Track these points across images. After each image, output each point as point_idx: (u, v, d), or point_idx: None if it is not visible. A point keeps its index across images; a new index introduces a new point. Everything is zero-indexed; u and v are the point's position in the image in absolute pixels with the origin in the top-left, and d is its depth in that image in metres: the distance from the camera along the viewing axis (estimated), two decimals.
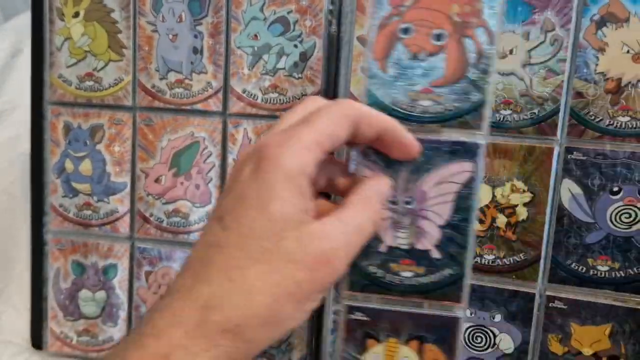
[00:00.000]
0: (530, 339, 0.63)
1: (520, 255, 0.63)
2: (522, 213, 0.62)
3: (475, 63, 0.46)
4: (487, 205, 0.63)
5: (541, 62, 0.59)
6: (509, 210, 0.62)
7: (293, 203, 0.33)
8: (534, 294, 0.62)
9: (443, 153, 0.46)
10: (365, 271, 0.47)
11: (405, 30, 0.46)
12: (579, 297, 0.61)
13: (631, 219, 0.58)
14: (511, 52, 0.60)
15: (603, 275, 0.60)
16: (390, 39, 0.46)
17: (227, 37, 0.67)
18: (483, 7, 0.46)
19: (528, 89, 0.60)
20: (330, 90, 0.65)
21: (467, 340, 0.66)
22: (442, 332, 0.49)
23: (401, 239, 0.47)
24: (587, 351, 0.61)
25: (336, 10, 0.65)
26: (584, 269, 0.60)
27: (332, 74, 0.66)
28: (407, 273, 0.47)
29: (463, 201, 0.46)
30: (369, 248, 0.46)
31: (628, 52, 0.56)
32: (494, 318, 0.64)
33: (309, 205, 0.34)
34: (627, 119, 0.57)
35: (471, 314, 0.65)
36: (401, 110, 0.46)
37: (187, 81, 0.68)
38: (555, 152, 0.60)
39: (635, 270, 0.59)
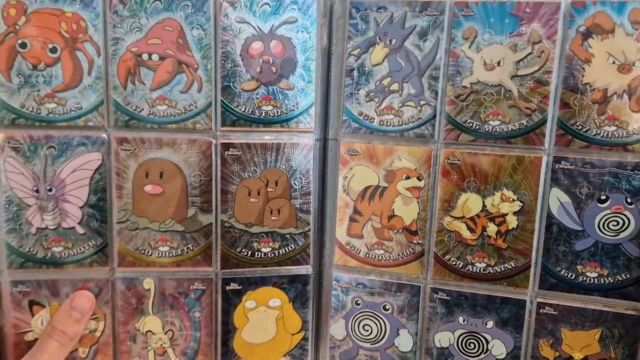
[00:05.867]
0: (522, 345, 0.61)
1: (511, 263, 0.60)
2: (512, 222, 0.60)
3: (89, 71, 0.58)
4: (477, 215, 0.61)
5: (528, 74, 0.57)
6: (499, 219, 0.60)
7: None
8: (524, 301, 0.60)
9: (74, 146, 0.58)
10: (22, 251, 0.58)
11: (23, 45, 0.55)
12: (569, 303, 0.59)
13: (619, 226, 0.56)
14: (499, 63, 0.57)
15: (592, 281, 0.58)
16: (9, 52, 0.56)
17: None
18: (87, 25, 0.57)
19: (516, 100, 0.57)
20: None
21: (460, 347, 0.64)
22: (94, 290, 0.61)
23: (48, 221, 0.58)
24: (578, 355, 0.59)
25: None
26: (574, 275, 0.58)
27: None
28: (58, 248, 0.59)
29: (97, 184, 0.59)
30: (22, 232, 0.58)
31: (614, 62, 0.54)
32: (486, 325, 0.62)
33: None
34: (613, 128, 0.55)
35: (464, 321, 0.63)
36: (29, 113, 0.57)
37: None
38: (544, 162, 0.57)
39: (624, 277, 0.57)
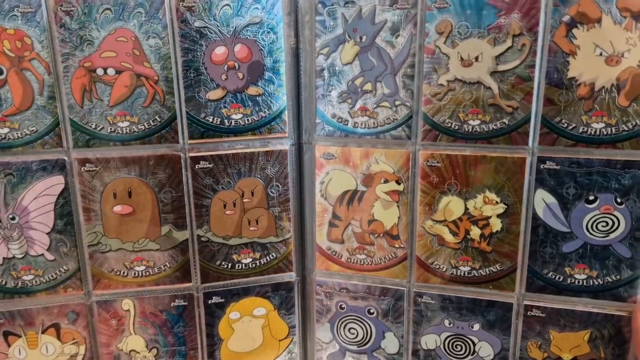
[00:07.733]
0: (509, 346, 0.58)
1: (496, 266, 0.57)
2: (496, 224, 0.56)
3: (40, 91, 0.52)
4: (459, 218, 0.57)
5: (509, 69, 0.51)
6: (483, 222, 0.56)
7: None
8: (511, 304, 0.57)
9: (34, 171, 0.54)
10: None
11: None
12: (558, 305, 0.55)
13: (608, 227, 0.52)
14: (477, 59, 0.52)
15: (581, 283, 0.54)
16: None
17: None
18: (33, 41, 0.51)
19: (496, 97, 0.52)
20: None
21: (447, 349, 0.61)
22: (71, 316, 0.59)
23: (15, 250, 0.55)
24: (567, 356, 0.57)
25: None
26: (561, 277, 0.55)
27: None
28: (28, 276, 0.57)
29: (63, 208, 0.55)
30: None
31: (601, 54, 0.48)
32: (472, 327, 0.59)
33: None
34: (601, 125, 0.50)
35: (450, 324, 0.60)
36: None
37: None
38: (528, 162, 0.53)
39: (614, 278, 0.53)
